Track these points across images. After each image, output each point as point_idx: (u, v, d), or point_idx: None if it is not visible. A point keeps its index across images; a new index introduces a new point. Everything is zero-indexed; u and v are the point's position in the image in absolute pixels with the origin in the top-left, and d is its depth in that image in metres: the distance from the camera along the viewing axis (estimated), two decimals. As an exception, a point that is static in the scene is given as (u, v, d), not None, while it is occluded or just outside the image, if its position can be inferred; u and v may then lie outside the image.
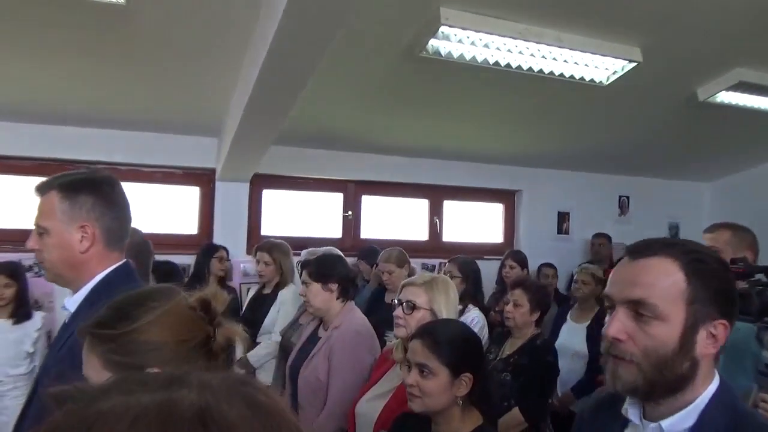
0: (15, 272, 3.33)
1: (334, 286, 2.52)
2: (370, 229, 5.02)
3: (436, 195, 5.26)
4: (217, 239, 4.31)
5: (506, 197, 5.58)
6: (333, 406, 2.33)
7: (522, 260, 4.36)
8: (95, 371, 1.02)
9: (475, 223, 5.49)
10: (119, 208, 1.58)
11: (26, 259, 3.70)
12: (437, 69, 3.45)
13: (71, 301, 1.53)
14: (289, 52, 2.60)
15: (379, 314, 3.52)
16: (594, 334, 3.36)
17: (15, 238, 3.91)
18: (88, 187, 1.52)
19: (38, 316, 3.41)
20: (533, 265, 4.71)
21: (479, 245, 5.40)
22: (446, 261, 3.90)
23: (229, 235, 4.38)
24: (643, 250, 1.04)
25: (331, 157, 4.72)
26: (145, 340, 1.02)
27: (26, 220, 3.49)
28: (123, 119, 3.96)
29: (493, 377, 2.55)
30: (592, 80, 3.60)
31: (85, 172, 1.57)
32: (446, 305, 2.12)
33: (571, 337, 3.59)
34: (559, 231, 5.65)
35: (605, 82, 3.62)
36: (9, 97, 3.54)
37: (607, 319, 1.05)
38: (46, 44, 2.99)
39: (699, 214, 5.89)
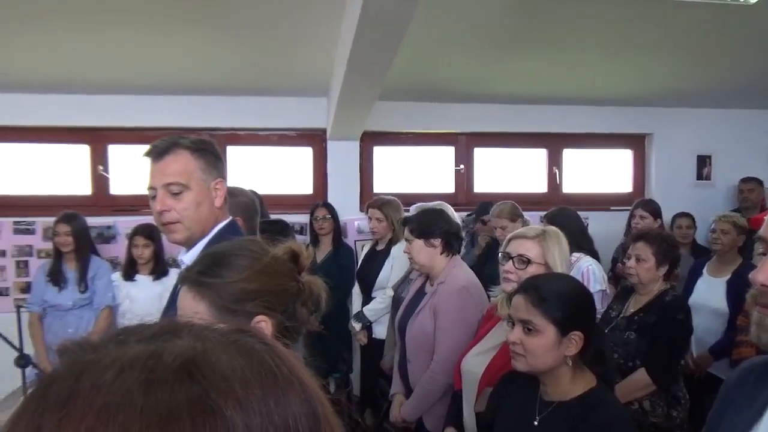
0: (151, 234, 3.64)
1: (437, 242, 2.45)
2: (483, 183, 4.85)
3: (555, 143, 4.94)
4: (331, 198, 4.40)
5: (635, 142, 5.10)
6: (440, 361, 2.30)
7: (654, 210, 3.95)
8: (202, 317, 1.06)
9: (600, 171, 5.10)
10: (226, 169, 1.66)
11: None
12: (548, 4, 3.16)
13: (188, 257, 1.60)
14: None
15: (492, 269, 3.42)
16: (735, 290, 2.99)
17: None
18: (212, 147, 1.61)
19: (174, 273, 3.72)
20: (668, 215, 4.30)
21: (605, 195, 5.02)
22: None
23: (342, 193, 4.45)
24: None
25: (440, 110, 4.58)
26: (252, 288, 1.08)
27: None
28: (237, 86, 4.11)
29: (607, 336, 2.35)
30: (735, -1, 3.11)
31: (193, 137, 1.64)
32: (560, 258, 1.98)
33: (709, 292, 3.22)
34: (699, 177, 5.07)
35: (751, 0, 3.10)
36: (133, 71, 3.80)
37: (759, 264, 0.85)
38: (157, 18, 3.14)
39: None
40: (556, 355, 1.53)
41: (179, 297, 1.10)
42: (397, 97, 4.32)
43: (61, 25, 3.11)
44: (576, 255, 2.87)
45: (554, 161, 4.95)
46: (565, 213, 3.29)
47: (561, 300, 1.55)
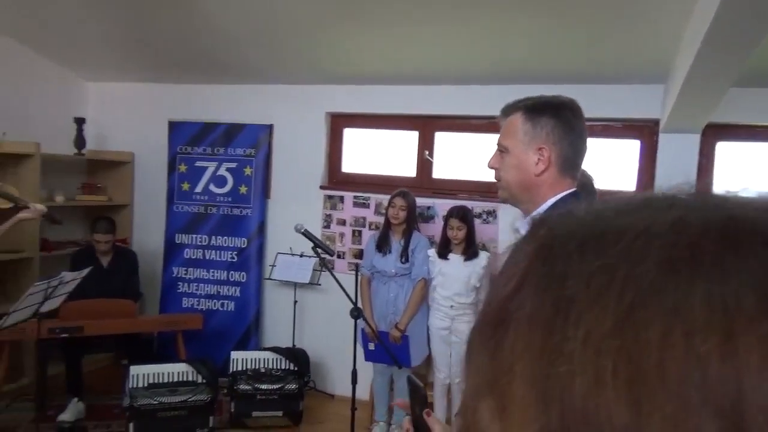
0: (465, 216, 3.79)
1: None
2: None
3: None
4: (659, 197, 3.94)
5: None
6: None
7: None
8: None
9: None
10: (576, 134, 1.55)
11: (477, 206, 4.19)
12: None
13: (523, 224, 1.60)
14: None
15: None
16: None
17: (469, 188, 4.48)
18: (551, 110, 1.54)
19: (484, 256, 3.82)
20: None
21: None
22: None
23: (673, 192, 3.95)
24: None
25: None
26: None
27: (472, 173, 3.90)
28: (564, 74, 3.97)
29: None
30: None
31: (550, 96, 1.58)
32: None
33: None
34: None
35: None
36: (460, 62, 3.99)
37: None
38: (483, 10, 3.20)
39: None
40: None
41: None
42: (755, 83, 3.62)
43: (399, 27, 3.44)
44: None
45: None
46: None
47: None
